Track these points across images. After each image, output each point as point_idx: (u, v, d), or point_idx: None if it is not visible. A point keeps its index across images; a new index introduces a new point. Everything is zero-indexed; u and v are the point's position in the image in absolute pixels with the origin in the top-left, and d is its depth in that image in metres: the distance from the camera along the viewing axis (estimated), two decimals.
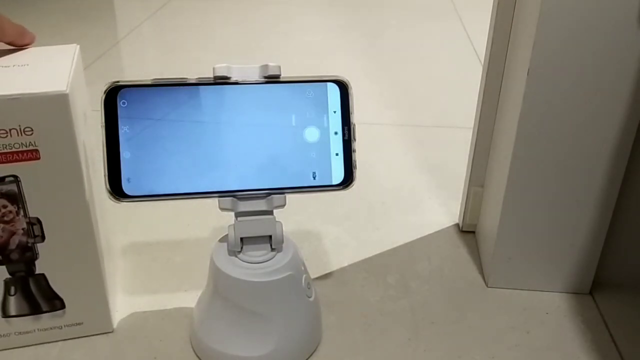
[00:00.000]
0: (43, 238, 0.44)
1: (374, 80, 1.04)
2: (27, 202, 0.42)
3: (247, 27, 1.32)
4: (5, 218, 0.43)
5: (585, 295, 0.55)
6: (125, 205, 0.42)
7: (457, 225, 0.65)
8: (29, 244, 0.44)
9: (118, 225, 0.62)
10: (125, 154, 0.42)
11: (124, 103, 0.41)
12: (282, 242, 0.45)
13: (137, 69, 1.11)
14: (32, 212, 0.43)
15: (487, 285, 0.56)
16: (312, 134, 0.44)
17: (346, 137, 0.44)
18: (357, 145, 0.45)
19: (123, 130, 0.41)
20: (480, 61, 1.12)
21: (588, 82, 0.46)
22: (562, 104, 0.47)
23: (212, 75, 0.43)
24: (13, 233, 0.43)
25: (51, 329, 0.47)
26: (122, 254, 0.59)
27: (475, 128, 0.59)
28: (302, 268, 0.47)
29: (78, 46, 0.48)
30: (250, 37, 1.27)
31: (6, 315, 0.46)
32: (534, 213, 0.52)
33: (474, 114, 0.59)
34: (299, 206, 0.65)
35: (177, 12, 1.42)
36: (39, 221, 0.43)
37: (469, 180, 0.61)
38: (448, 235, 0.64)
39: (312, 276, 0.53)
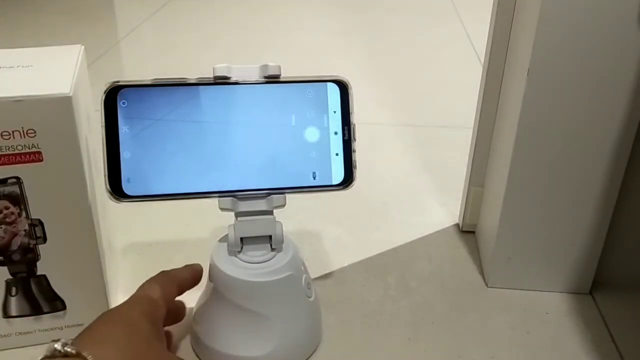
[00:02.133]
0: (45, 239, 0.44)
1: (374, 80, 1.04)
2: (29, 204, 0.42)
3: (247, 27, 1.32)
4: (7, 219, 0.43)
5: (585, 295, 0.55)
6: (125, 205, 0.42)
7: (457, 225, 0.65)
8: (31, 245, 0.44)
9: (118, 225, 0.62)
10: (125, 154, 0.42)
11: (124, 103, 0.41)
12: (282, 242, 0.45)
13: (137, 69, 1.11)
14: (34, 214, 0.43)
15: (487, 285, 0.56)
16: (312, 134, 0.44)
17: (346, 137, 0.45)
18: (357, 145, 0.45)
19: (123, 130, 0.41)
20: (480, 61, 1.12)
21: (588, 82, 0.46)
22: (562, 104, 0.47)
23: (212, 75, 0.43)
24: (15, 234, 0.43)
25: (52, 329, 0.47)
26: (122, 254, 0.59)
27: (475, 128, 0.59)
28: (302, 268, 0.47)
29: (82, 47, 0.47)
30: (250, 37, 1.27)
31: (7, 315, 0.46)
32: (534, 213, 0.52)
33: (474, 114, 0.59)
34: (299, 206, 0.65)
35: (177, 12, 1.42)
36: (40, 223, 0.43)
37: (469, 180, 0.61)
38: (448, 235, 0.64)
39: (312, 276, 0.53)
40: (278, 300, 0.44)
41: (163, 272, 0.44)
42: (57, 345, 0.32)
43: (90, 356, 0.32)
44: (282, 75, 0.43)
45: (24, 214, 0.43)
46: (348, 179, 0.45)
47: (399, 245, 0.62)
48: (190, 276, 0.46)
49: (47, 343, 0.33)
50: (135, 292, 0.41)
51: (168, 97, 0.42)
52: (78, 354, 0.32)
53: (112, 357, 0.33)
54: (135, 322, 0.37)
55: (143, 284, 0.42)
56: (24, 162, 0.41)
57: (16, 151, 0.41)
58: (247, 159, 0.43)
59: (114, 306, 0.40)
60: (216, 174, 0.43)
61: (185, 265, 0.47)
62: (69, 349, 0.32)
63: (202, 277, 0.47)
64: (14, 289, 0.45)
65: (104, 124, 0.41)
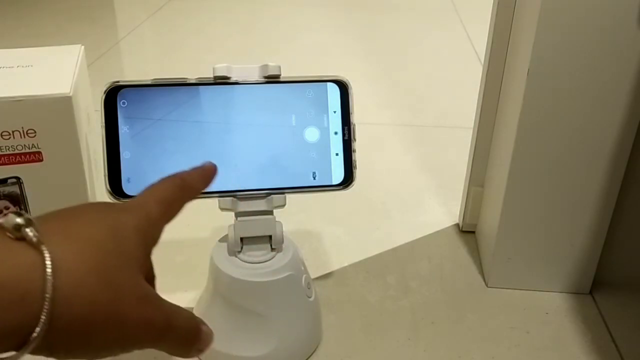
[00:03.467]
0: None
1: (374, 80, 1.04)
2: (29, 204, 0.42)
3: (247, 27, 1.32)
4: None
5: (585, 295, 0.55)
6: None
7: (457, 225, 0.65)
8: None
9: None
10: (125, 154, 0.42)
11: (124, 103, 0.41)
12: (282, 242, 0.45)
13: (137, 69, 1.11)
14: (34, 214, 0.43)
15: (487, 285, 0.56)
16: (312, 134, 0.44)
17: (346, 137, 0.45)
18: (357, 145, 0.45)
19: (123, 130, 0.41)
20: (480, 61, 1.12)
21: (588, 82, 0.46)
22: (562, 104, 0.47)
23: (212, 75, 0.43)
24: None
25: None
26: None
27: (475, 128, 0.59)
28: (302, 268, 0.47)
29: (82, 47, 0.48)
30: (250, 37, 1.27)
31: None
32: (534, 213, 0.52)
33: (474, 114, 0.59)
34: (299, 206, 0.65)
35: (177, 12, 1.42)
36: None
37: (469, 180, 0.61)
38: (448, 235, 0.64)
39: (312, 276, 0.53)
40: (278, 300, 0.44)
41: (170, 179, 0.34)
42: (20, 220, 0.25)
43: (47, 253, 0.25)
44: (282, 75, 0.43)
45: None
46: (348, 179, 0.45)
47: (399, 245, 0.62)
48: (202, 182, 0.37)
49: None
50: (134, 201, 0.32)
51: (168, 97, 0.42)
52: (37, 244, 0.25)
53: (74, 263, 0.25)
54: (123, 234, 0.29)
55: (145, 193, 0.33)
56: (24, 162, 0.41)
57: (16, 151, 0.41)
58: (247, 159, 0.43)
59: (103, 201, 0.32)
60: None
61: (194, 169, 0.37)
62: (30, 233, 0.25)
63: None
64: None
65: (104, 124, 0.41)
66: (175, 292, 0.54)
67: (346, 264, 0.59)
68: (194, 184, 0.36)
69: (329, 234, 0.63)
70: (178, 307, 0.30)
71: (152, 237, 0.32)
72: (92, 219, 0.28)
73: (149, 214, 0.31)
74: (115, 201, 0.42)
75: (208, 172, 0.37)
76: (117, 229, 0.29)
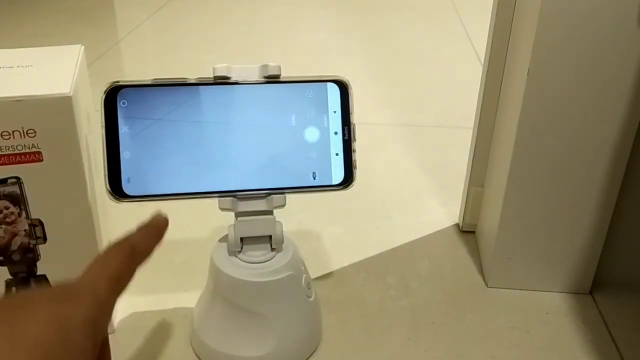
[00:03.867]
0: (45, 239, 0.44)
1: (374, 80, 1.04)
2: (29, 204, 0.42)
3: (247, 27, 1.32)
4: (7, 219, 0.43)
5: (585, 295, 0.55)
6: (125, 205, 0.42)
7: (457, 225, 0.65)
8: (31, 246, 0.44)
9: (118, 225, 0.62)
10: (125, 154, 0.42)
11: (124, 103, 0.41)
12: (282, 242, 0.45)
13: (137, 69, 1.11)
14: (34, 214, 0.43)
15: (487, 285, 0.56)
16: (312, 134, 0.44)
17: (346, 137, 0.44)
18: (357, 145, 0.45)
19: (123, 130, 0.41)
20: (480, 61, 1.12)
21: (588, 82, 0.46)
22: (562, 104, 0.47)
23: (212, 75, 0.43)
24: (15, 234, 0.43)
25: None
26: None
27: (475, 128, 0.59)
28: (302, 268, 0.47)
29: (82, 47, 0.47)
30: (250, 37, 1.27)
31: None
32: (534, 213, 0.52)
33: (474, 114, 0.59)
34: (299, 206, 0.65)
35: (177, 12, 1.42)
36: (40, 223, 0.43)
37: (469, 180, 0.61)
38: (448, 235, 0.64)
39: (312, 276, 0.53)
40: (278, 300, 0.44)
41: (119, 248, 0.33)
42: None
43: None
44: (282, 75, 0.43)
45: (24, 214, 0.43)
46: (348, 179, 0.45)
47: (399, 245, 0.62)
48: (153, 242, 0.35)
49: None
50: (82, 282, 0.31)
51: (168, 97, 0.42)
52: None
53: None
54: (71, 329, 0.28)
55: (93, 269, 0.32)
56: (24, 162, 0.41)
57: (16, 151, 0.41)
58: (247, 159, 0.43)
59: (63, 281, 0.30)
60: (216, 174, 0.43)
61: (144, 228, 0.36)
62: None
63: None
64: (14, 289, 0.45)
65: (104, 124, 0.41)
66: (175, 292, 0.54)
67: (346, 264, 0.59)
68: (144, 248, 0.35)
69: (329, 234, 0.63)
70: None
71: (102, 324, 0.31)
72: (38, 315, 0.27)
73: (99, 296, 0.30)
74: (115, 202, 0.42)
75: (159, 228, 0.36)
76: (65, 324, 0.28)
